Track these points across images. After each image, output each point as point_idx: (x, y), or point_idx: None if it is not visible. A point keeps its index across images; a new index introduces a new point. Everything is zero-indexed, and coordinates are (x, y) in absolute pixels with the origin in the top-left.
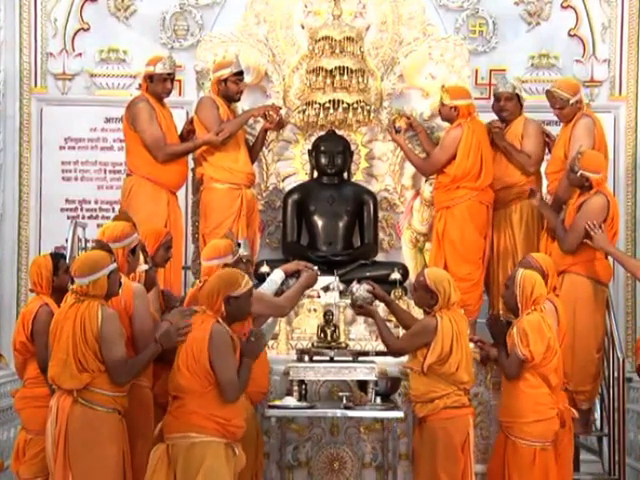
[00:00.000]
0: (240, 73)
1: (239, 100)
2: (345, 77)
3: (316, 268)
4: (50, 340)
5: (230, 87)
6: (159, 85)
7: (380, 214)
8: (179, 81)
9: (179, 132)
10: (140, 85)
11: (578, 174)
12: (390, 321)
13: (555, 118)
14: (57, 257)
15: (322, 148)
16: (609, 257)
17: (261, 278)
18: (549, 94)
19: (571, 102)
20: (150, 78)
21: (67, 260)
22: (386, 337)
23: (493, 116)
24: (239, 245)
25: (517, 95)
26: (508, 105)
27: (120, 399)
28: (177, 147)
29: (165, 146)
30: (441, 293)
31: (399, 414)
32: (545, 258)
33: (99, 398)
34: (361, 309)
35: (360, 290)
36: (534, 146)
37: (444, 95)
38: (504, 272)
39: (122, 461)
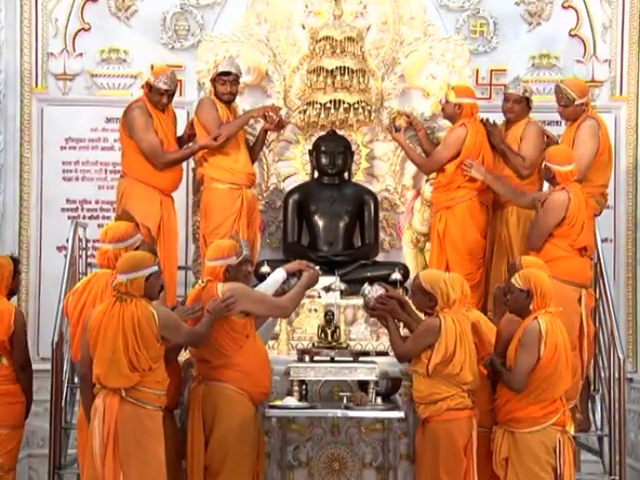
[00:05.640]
0: (226, 74)
1: (229, 101)
2: (346, 77)
3: (317, 268)
4: (90, 338)
5: (217, 88)
6: (155, 97)
7: (381, 214)
8: (180, 81)
9: (180, 134)
10: (143, 86)
11: (543, 166)
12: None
13: (556, 118)
14: (16, 260)
15: (323, 148)
16: (580, 256)
17: (261, 278)
18: (557, 89)
19: (576, 103)
20: (150, 86)
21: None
22: (395, 341)
23: (493, 116)
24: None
25: (527, 99)
26: (516, 107)
27: (163, 397)
28: (175, 155)
29: (162, 154)
30: (438, 294)
31: (400, 414)
32: (533, 262)
33: (147, 396)
34: (374, 311)
35: (372, 292)
36: (531, 149)
37: (449, 92)
38: (498, 274)
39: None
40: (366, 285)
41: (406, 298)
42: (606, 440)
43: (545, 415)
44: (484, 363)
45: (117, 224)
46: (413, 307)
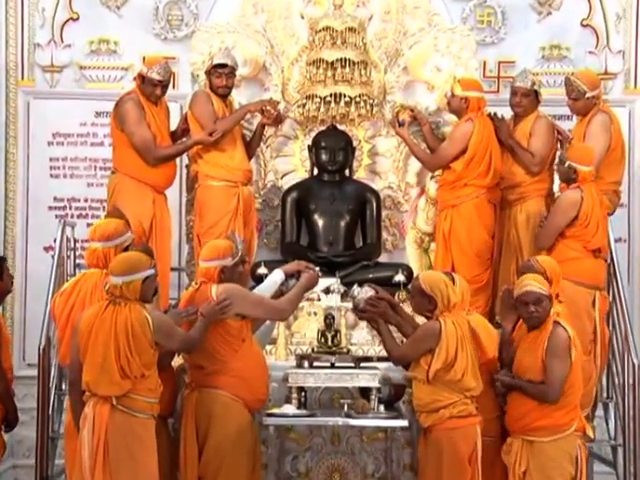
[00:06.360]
0: (221, 66)
1: (224, 95)
2: (347, 69)
3: (317, 269)
4: (81, 342)
5: (212, 81)
6: (148, 88)
7: (383, 213)
8: (173, 73)
9: (174, 129)
10: (135, 78)
11: (566, 165)
12: None
13: (567, 112)
14: (1, 260)
15: (323, 144)
16: (593, 257)
17: (258, 280)
18: (567, 81)
19: (587, 96)
20: (142, 78)
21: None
22: (388, 344)
23: (501, 110)
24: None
25: (535, 92)
26: (524, 101)
27: (156, 405)
28: (168, 150)
29: (155, 149)
30: (438, 296)
31: (403, 423)
32: (550, 262)
33: (139, 404)
34: (364, 314)
35: (362, 293)
36: (540, 145)
37: (455, 86)
38: (507, 275)
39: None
40: (355, 286)
41: (397, 300)
42: (620, 450)
43: (568, 422)
44: (495, 384)
45: (107, 221)
46: (404, 309)
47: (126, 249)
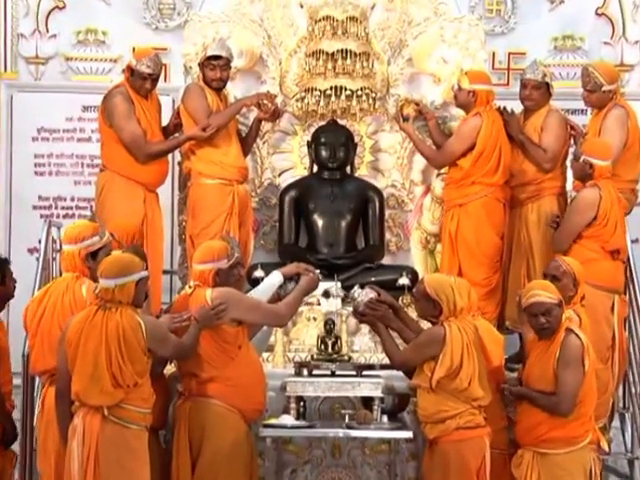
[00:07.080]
0: (215, 57)
1: (219, 88)
2: (348, 61)
3: (317, 271)
4: (69, 350)
5: (205, 73)
6: (137, 82)
7: (387, 212)
8: (165, 65)
9: (165, 124)
10: (124, 70)
11: (581, 160)
12: None
13: (581, 106)
14: (4, 263)
15: (322, 140)
16: (611, 259)
17: (255, 283)
18: (584, 71)
19: (604, 89)
20: (131, 70)
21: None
22: (389, 348)
23: (511, 104)
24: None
25: (546, 84)
26: (534, 94)
27: (149, 416)
28: (159, 146)
29: (145, 145)
30: (444, 301)
31: (407, 434)
32: (576, 263)
33: (132, 415)
34: (364, 317)
35: (362, 295)
36: (552, 140)
37: (462, 78)
38: (517, 278)
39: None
40: (356, 288)
41: (401, 304)
42: (637, 463)
43: (583, 434)
44: (504, 393)
45: (75, 224)
46: (408, 313)
47: (95, 253)
